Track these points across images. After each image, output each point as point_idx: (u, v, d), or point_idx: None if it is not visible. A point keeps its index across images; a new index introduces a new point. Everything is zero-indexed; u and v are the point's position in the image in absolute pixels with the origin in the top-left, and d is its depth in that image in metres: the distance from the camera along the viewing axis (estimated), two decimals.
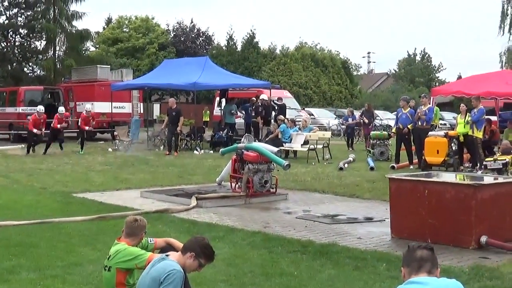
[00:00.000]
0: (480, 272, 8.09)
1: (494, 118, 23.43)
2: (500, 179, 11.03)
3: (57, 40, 43.98)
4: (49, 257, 8.71)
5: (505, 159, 15.23)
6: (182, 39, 61.62)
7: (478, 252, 9.30)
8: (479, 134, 19.07)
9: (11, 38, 46.40)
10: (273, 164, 14.43)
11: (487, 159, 16.06)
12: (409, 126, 20.71)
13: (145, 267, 5.73)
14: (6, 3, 45.64)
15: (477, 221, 9.50)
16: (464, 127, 19.59)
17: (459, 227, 9.59)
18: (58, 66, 43.78)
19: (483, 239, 9.44)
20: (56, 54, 44.39)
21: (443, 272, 7.63)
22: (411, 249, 4.10)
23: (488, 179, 10.80)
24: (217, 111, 34.48)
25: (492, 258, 8.97)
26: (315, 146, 23.82)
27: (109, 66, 39.52)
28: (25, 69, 47.41)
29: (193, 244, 5.55)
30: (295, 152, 24.55)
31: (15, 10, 46.33)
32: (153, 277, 5.28)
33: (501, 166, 15.07)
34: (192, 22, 62.84)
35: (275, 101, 31.00)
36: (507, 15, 43.92)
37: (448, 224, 9.65)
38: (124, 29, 61.51)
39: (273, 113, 29.67)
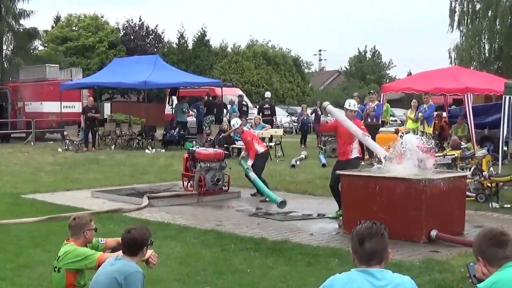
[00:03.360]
0: (430, 265, 8.21)
1: (443, 114, 23.76)
2: (449, 174, 11.18)
3: (4, 39, 43.15)
4: None
5: (454, 154, 15.45)
6: (131, 37, 61.05)
7: (428, 246, 9.44)
8: (429, 130, 19.33)
9: None
10: (225, 162, 14.44)
11: (436, 155, 16.26)
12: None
13: (95, 267, 5.65)
14: None
15: (427, 216, 9.64)
16: (413, 122, 19.81)
17: (409, 222, 9.71)
18: (5, 65, 42.99)
19: (433, 233, 9.58)
20: (3, 53, 43.57)
21: (395, 266, 7.72)
22: (360, 238, 3.95)
23: (438, 174, 10.94)
24: (168, 110, 34.28)
25: (442, 252, 9.11)
26: (267, 143, 23.86)
27: (58, 65, 38.79)
28: None
29: (138, 243, 5.46)
30: None
31: None
32: (111, 278, 5.18)
33: (450, 161, 15.28)
34: (140, 20, 62.31)
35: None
36: (455, 13, 44.50)
37: (399, 219, 9.75)
38: (73, 28, 60.69)
39: (225, 111, 29.72)
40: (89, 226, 6.10)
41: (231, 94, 33.90)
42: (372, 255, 3.91)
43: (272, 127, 27.52)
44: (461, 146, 16.35)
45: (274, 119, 30.42)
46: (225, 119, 28.25)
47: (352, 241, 4.02)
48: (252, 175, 13.98)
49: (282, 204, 12.76)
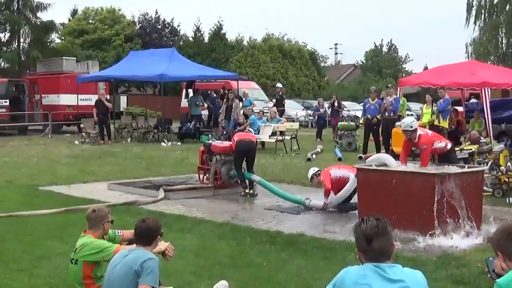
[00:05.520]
0: (447, 260, 8.17)
1: (460, 108, 23.59)
2: (466, 169, 11.10)
3: (21, 31, 43.37)
4: (16, 251, 8.62)
5: (471, 149, 15.38)
6: (147, 30, 61.19)
7: (445, 240, 9.38)
8: (444, 124, 19.23)
9: None
10: None
11: None
12: (378, 117, 20.84)
13: None
14: None
15: (444, 210, 9.57)
16: (431, 116, 19.72)
17: (426, 216, 9.66)
18: (22, 58, 43.23)
19: (450, 227, 9.52)
20: (21, 46, 43.80)
21: (412, 261, 7.71)
22: (368, 238, 3.86)
23: (455, 169, 10.87)
24: (184, 103, 34.33)
25: (459, 247, 9.06)
26: (283, 137, 23.86)
27: (75, 58, 38.91)
28: None
29: (153, 232, 5.48)
30: (263, 143, 24.54)
31: None
32: (128, 268, 5.19)
33: (468, 156, 15.21)
34: (156, 13, 62.48)
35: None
36: (473, 7, 44.26)
37: (415, 213, 9.71)
38: (90, 21, 60.97)
39: (241, 104, 29.74)
40: (108, 218, 6.15)
41: (247, 87, 33.93)
42: (381, 253, 3.86)
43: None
44: (481, 141, 16.25)
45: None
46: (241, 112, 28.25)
47: (358, 240, 3.92)
48: (255, 178, 13.90)
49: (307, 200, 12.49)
